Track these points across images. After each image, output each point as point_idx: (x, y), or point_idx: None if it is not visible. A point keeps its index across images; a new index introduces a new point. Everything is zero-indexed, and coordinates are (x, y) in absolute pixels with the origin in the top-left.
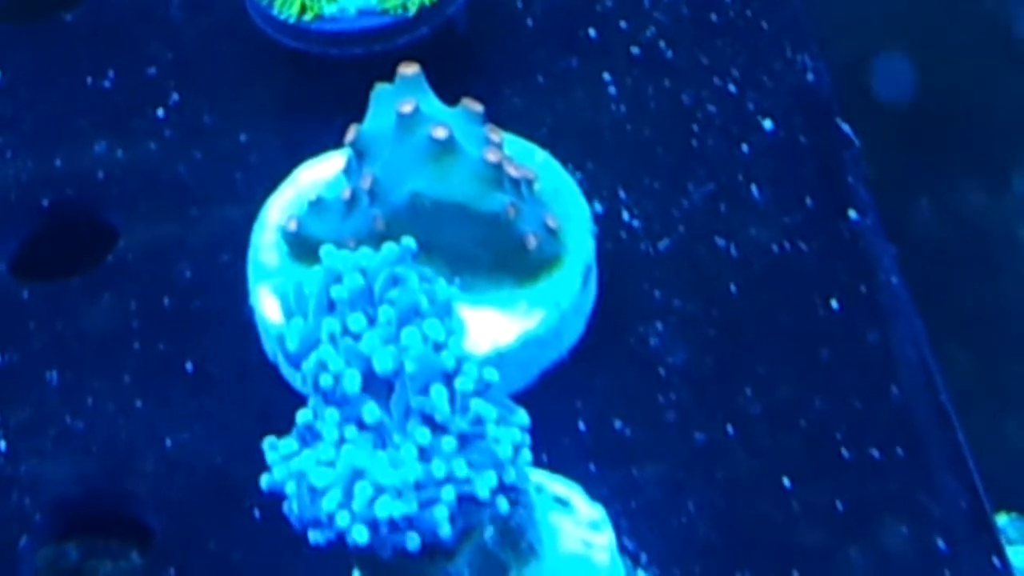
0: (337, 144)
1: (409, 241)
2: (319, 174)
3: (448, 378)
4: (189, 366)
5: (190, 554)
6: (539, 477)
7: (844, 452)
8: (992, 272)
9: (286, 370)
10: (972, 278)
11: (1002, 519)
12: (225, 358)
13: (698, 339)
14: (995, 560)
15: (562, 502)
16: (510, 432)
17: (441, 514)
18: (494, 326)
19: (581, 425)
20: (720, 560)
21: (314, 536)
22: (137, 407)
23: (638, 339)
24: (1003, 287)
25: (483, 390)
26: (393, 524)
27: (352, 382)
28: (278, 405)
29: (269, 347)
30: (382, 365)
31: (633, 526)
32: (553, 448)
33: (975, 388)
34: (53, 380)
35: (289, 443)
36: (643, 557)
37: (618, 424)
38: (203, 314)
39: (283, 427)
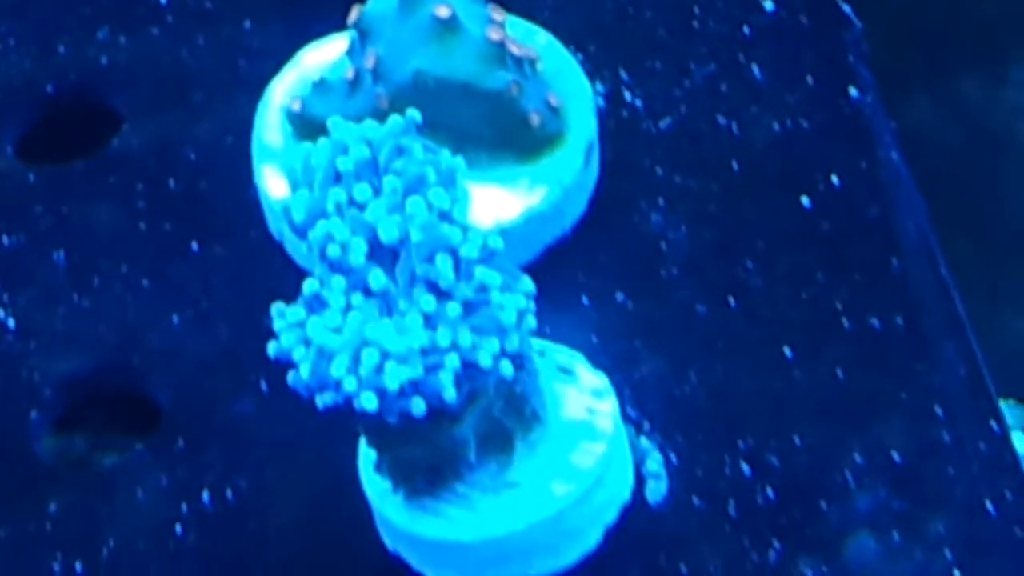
0: (340, 26)
1: (414, 113)
2: (323, 56)
3: (453, 246)
4: (195, 246)
5: (198, 428)
6: (543, 345)
7: (845, 322)
8: (991, 165)
9: (291, 248)
10: (969, 170)
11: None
12: (230, 238)
13: (699, 214)
14: (992, 424)
15: (565, 371)
16: (514, 299)
17: (446, 379)
18: (497, 203)
19: (584, 299)
20: (722, 428)
21: (322, 401)
22: (144, 286)
23: (640, 215)
24: (1002, 180)
25: (488, 258)
26: (399, 389)
27: (358, 251)
28: (283, 283)
29: (274, 226)
30: (387, 234)
31: (635, 396)
32: (556, 321)
33: (974, 279)
34: (60, 260)
35: (296, 311)
36: (645, 425)
37: (620, 297)
38: (208, 195)
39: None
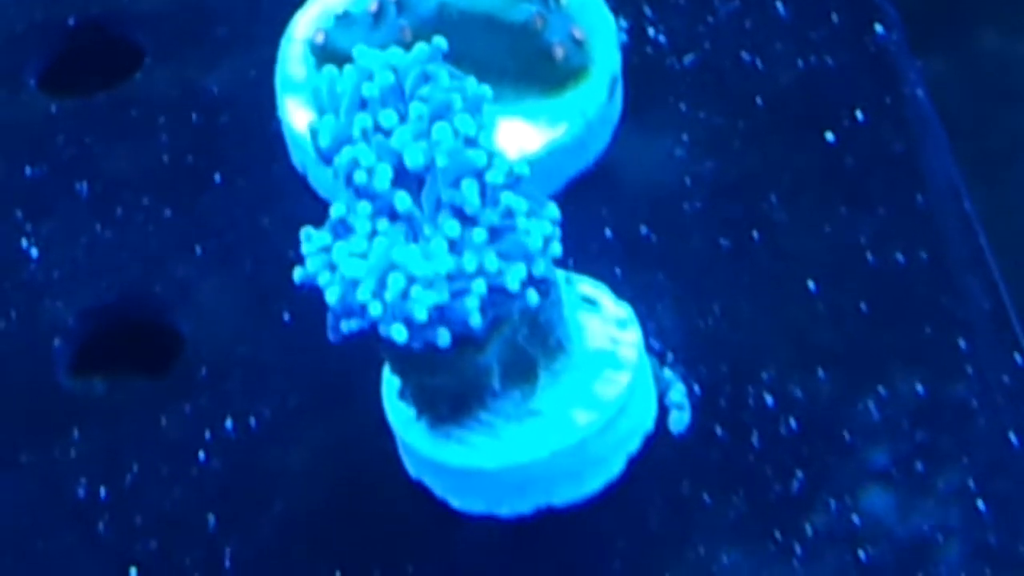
0: None
1: (440, 40)
2: None
3: (479, 172)
4: (217, 178)
5: (221, 358)
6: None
7: (869, 257)
8: (1008, 116)
9: (314, 181)
10: (987, 122)
11: None
12: (253, 170)
13: (723, 150)
14: (1016, 357)
15: (590, 301)
16: (540, 225)
17: (472, 304)
18: (521, 135)
19: (607, 232)
20: (746, 360)
21: (347, 326)
22: (166, 217)
23: (664, 150)
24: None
25: (513, 184)
26: (425, 315)
27: (383, 177)
28: (306, 215)
29: (297, 159)
30: (413, 160)
31: (659, 328)
32: (580, 254)
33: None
34: (83, 191)
35: (322, 235)
36: (669, 357)
37: (644, 230)
38: (231, 128)
39: None
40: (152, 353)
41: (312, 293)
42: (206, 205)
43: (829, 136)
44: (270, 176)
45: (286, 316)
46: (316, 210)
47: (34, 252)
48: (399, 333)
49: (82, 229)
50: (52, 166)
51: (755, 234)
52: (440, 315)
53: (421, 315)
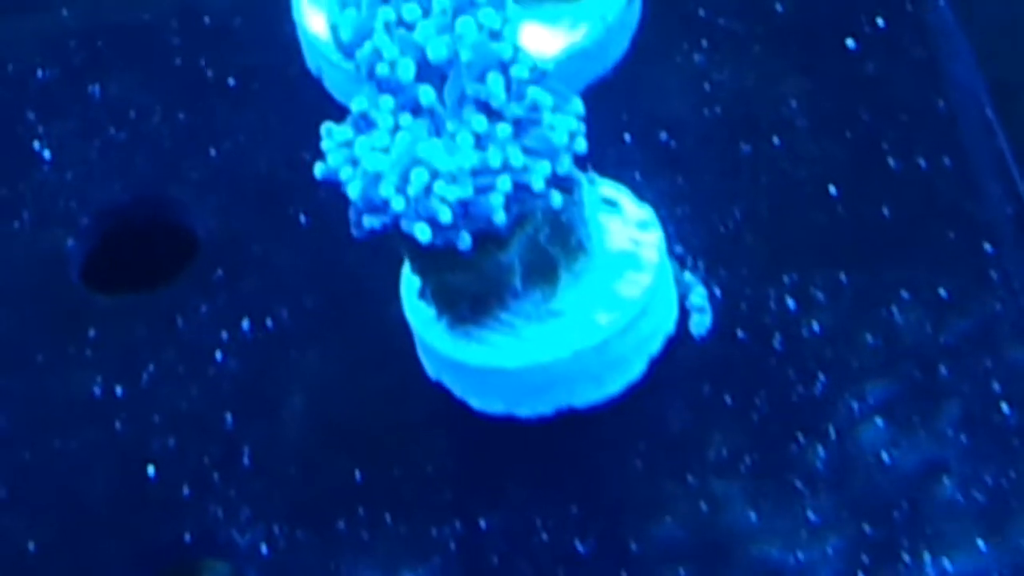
0: None
1: None
2: None
3: (504, 66)
4: (231, 81)
5: (237, 259)
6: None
7: (891, 161)
8: None
9: (329, 84)
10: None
11: None
12: (267, 73)
13: (743, 56)
14: None
15: (610, 203)
16: (566, 120)
17: (496, 201)
18: (539, 39)
19: (627, 137)
20: (766, 263)
21: (369, 222)
22: (180, 119)
23: (683, 56)
24: None
25: (539, 78)
26: (449, 211)
27: (406, 70)
28: (321, 118)
29: (311, 62)
30: (436, 53)
31: (679, 231)
32: (599, 159)
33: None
34: (96, 93)
35: (344, 130)
36: (689, 261)
37: (663, 136)
38: (245, 31)
39: None
40: (167, 255)
41: (328, 195)
42: (220, 108)
43: (850, 43)
44: (285, 79)
45: (302, 218)
46: (331, 113)
47: (47, 154)
48: (422, 232)
49: (95, 131)
50: (64, 69)
51: (775, 139)
52: (464, 211)
53: (445, 212)
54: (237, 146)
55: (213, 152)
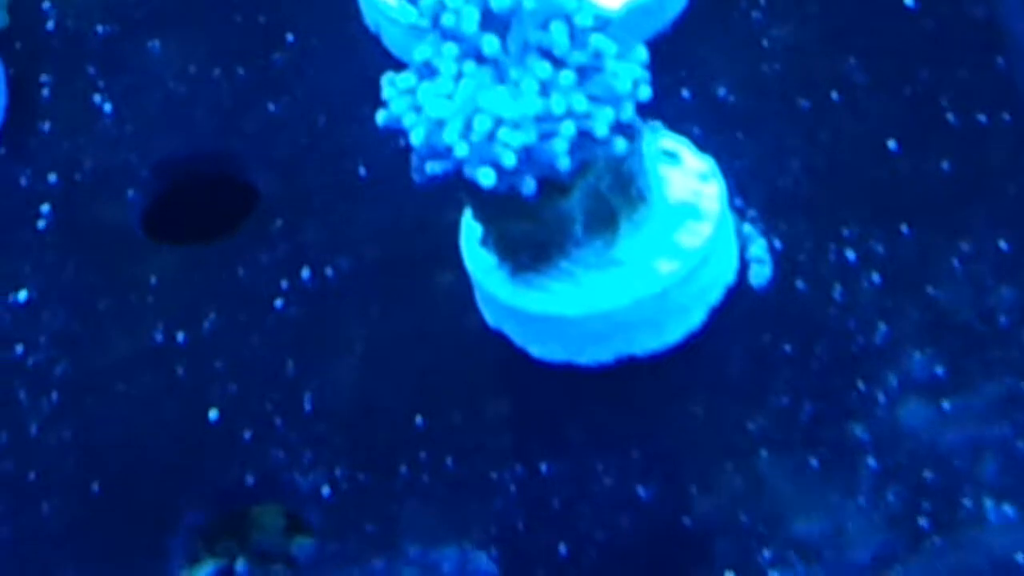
0: None
1: None
2: None
3: (567, 14)
4: (290, 37)
5: (296, 210)
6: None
7: (950, 117)
8: None
9: (387, 40)
10: None
11: None
12: (326, 30)
13: (801, 13)
14: None
15: (670, 155)
16: (629, 67)
17: (560, 147)
18: None
19: (685, 92)
20: (825, 217)
21: (432, 168)
22: (239, 74)
23: (741, 13)
24: None
25: (602, 26)
26: (512, 158)
27: (470, 18)
28: (379, 73)
29: (370, 18)
30: (499, 3)
31: (738, 185)
32: (657, 114)
33: None
34: (155, 48)
35: (407, 77)
36: (748, 213)
37: (722, 92)
38: None
39: None
40: (227, 209)
41: (387, 148)
42: (279, 63)
43: (908, 0)
44: (343, 35)
45: (362, 171)
46: (389, 69)
47: (107, 107)
48: (486, 176)
49: (155, 85)
50: (123, 24)
51: (834, 95)
52: (527, 157)
53: (508, 157)
54: (296, 101)
55: (272, 107)
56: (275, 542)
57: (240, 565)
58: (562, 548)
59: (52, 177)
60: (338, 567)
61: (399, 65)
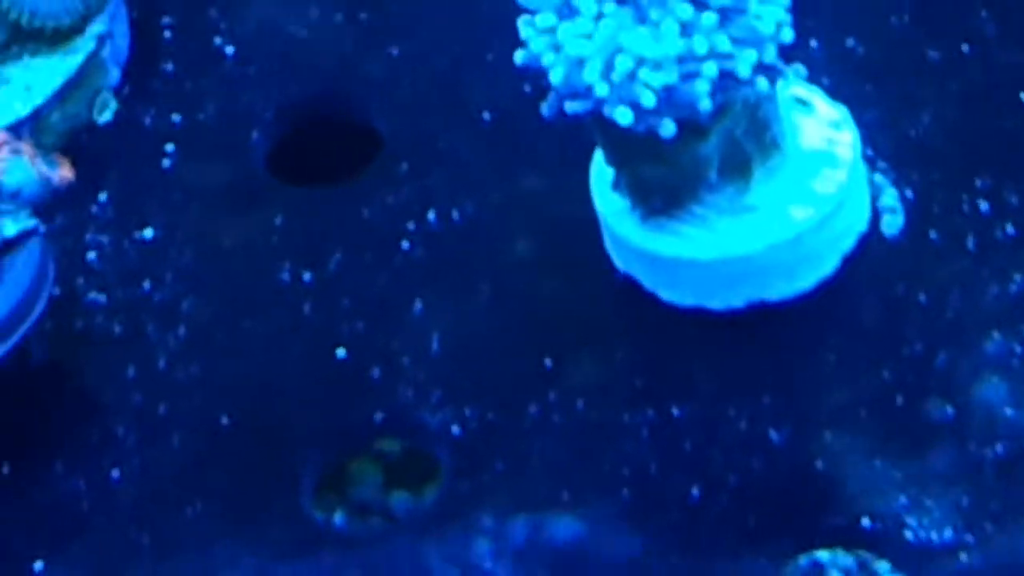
0: None
1: None
2: None
3: None
4: None
5: (421, 153)
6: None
7: None
8: None
9: None
10: None
11: None
12: None
13: None
14: None
15: (803, 103)
16: (773, 10)
17: (702, 88)
18: None
19: (813, 43)
20: (957, 167)
21: (571, 107)
22: (361, 19)
23: None
24: None
25: None
26: (652, 98)
27: None
28: (503, 18)
29: None
30: None
31: (868, 135)
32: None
33: None
34: None
35: (547, 17)
36: (880, 164)
37: (850, 42)
38: None
39: (508, 36)
40: (350, 153)
41: (511, 93)
42: (401, 8)
43: None
44: None
45: (486, 115)
46: (510, 12)
47: (229, 50)
48: (623, 116)
49: (277, 29)
50: None
51: (965, 47)
52: (668, 97)
53: (648, 97)
54: (419, 45)
55: (395, 51)
56: (373, 496)
57: (338, 518)
58: (695, 491)
59: (176, 117)
60: (470, 506)
61: (521, 9)
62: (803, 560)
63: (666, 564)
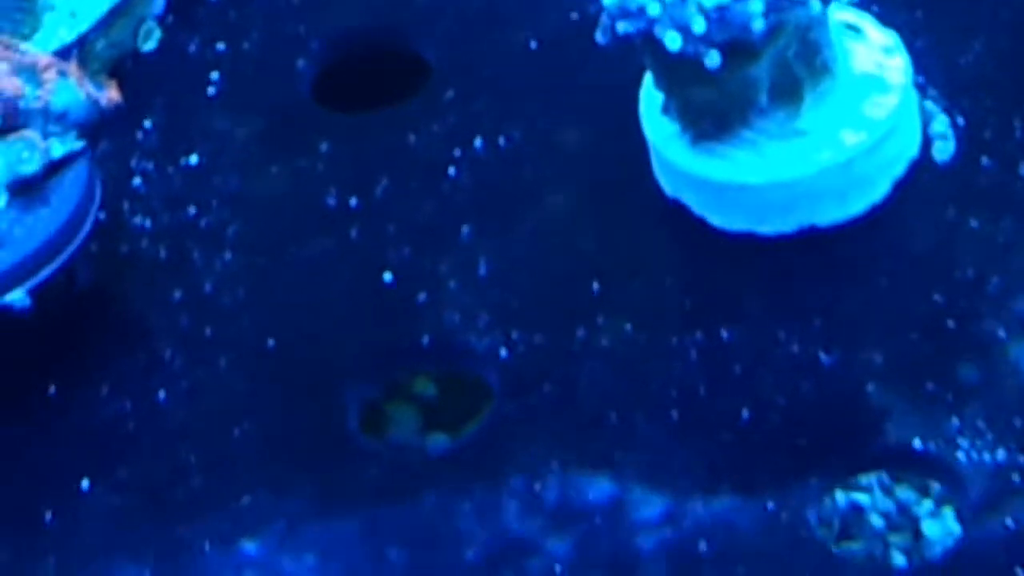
0: None
1: None
2: None
3: None
4: None
5: (467, 81)
6: None
7: None
8: None
9: None
10: None
11: None
12: None
13: None
14: None
15: (854, 28)
16: None
17: (755, 7)
18: None
19: None
20: (1010, 94)
21: (623, 27)
22: None
23: None
24: None
25: None
26: (703, 20)
27: None
28: None
29: None
30: None
31: (919, 63)
32: None
33: None
34: None
35: None
36: (930, 91)
37: None
38: None
39: None
40: (396, 81)
41: (558, 21)
42: None
43: None
44: None
45: (532, 44)
46: None
47: None
48: (673, 40)
49: None
50: None
51: None
52: (720, 17)
53: (699, 23)
54: None
55: None
56: (410, 439)
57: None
58: (744, 412)
59: (220, 46)
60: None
61: None
62: (842, 501)
63: (715, 484)
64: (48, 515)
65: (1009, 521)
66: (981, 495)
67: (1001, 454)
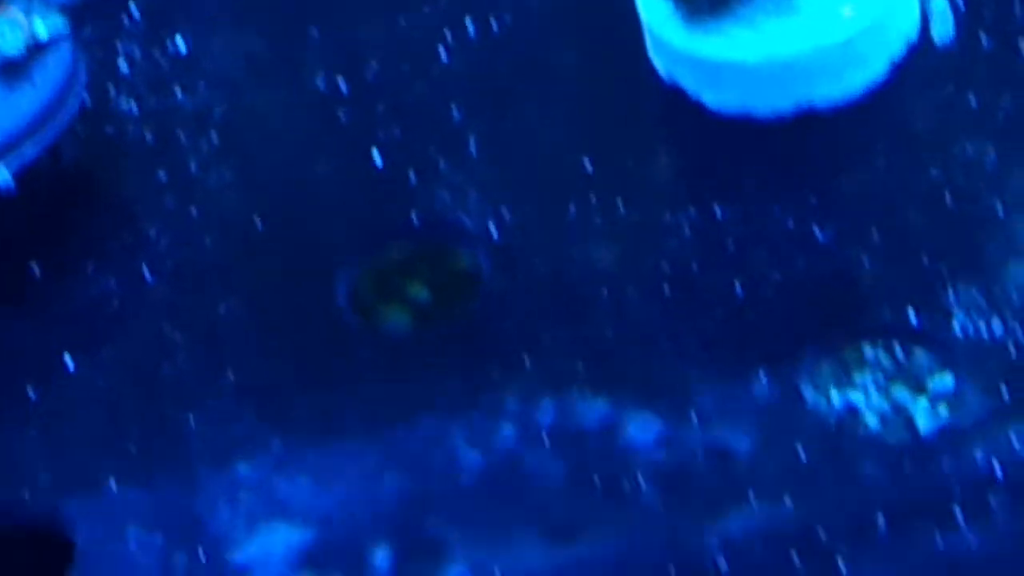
0: None
1: None
2: None
3: None
4: None
5: None
6: None
7: None
8: None
9: None
10: None
11: None
12: None
13: None
14: None
15: None
16: None
17: None
18: None
19: None
20: None
21: None
22: None
23: None
24: None
25: None
26: None
27: None
28: None
29: None
30: None
31: None
32: None
33: None
34: None
35: None
36: None
37: None
38: None
39: None
40: None
41: None
42: None
43: None
44: None
45: None
46: None
47: None
48: None
49: None
50: None
51: None
52: None
53: None
54: None
55: None
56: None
57: None
58: (737, 287)
59: None
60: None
61: None
62: (837, 402)
63: (709, 357)
64: (32, 393)
65: (1004, 392)
66: (975, 366)
67: (998, 326)
